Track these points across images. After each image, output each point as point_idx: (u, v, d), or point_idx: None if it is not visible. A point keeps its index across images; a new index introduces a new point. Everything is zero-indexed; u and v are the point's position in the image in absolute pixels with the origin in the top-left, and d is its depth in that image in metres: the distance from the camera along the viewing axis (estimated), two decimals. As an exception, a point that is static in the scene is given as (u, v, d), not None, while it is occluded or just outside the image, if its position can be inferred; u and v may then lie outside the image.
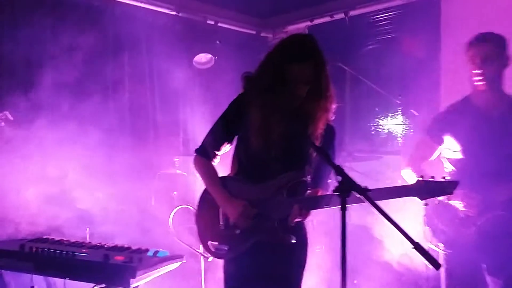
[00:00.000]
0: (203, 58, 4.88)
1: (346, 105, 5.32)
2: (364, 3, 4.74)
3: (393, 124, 4.95)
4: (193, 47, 4.93)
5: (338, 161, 1.98)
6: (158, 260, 2.15)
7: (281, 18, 5.42)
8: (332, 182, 1.99)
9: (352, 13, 4.85)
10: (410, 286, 3.77)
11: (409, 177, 2.67)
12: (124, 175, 4.35)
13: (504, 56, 2.46)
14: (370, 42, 4.98)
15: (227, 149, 2.20)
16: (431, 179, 1.94)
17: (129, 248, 2.31)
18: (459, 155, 2.55)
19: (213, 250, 2.12)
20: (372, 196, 1.60)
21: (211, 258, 2.19)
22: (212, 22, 5.08)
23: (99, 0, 4.36)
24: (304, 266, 2.17)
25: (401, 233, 1.52)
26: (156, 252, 2.21)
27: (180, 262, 2.31)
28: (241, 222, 2.03)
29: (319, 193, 2.10)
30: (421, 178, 1.95)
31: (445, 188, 1.92)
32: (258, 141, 2.03)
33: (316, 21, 5.13)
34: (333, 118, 2.11)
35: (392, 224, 1.55)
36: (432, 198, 1.92)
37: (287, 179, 2.02)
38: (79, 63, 4.08)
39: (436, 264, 1.48)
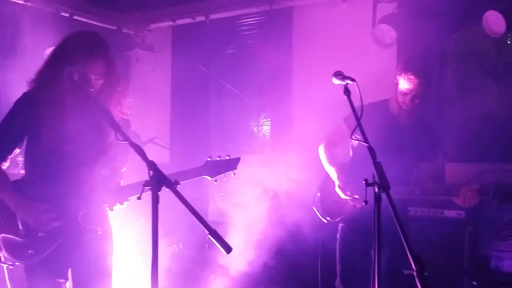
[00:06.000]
0: (56, 51, 4.59)
1: (210, 106, 5.44)
2: (223, 7, 4.87)
3: (253, 125, 5.19)
4: (44, 40, 4.60)
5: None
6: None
7: (144, 15, 5.32)
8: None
9: (213, 16, 4.95)
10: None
11: (323, 157, 2.87)
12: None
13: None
14: (231, 47, 5.15)
15: (17, 151, 2.12)
16: (218, 159, 2.15)
17: None
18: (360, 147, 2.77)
19: (15, 256, 2.02)
20: (174, 178, 1.69)
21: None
22: (67, 15, 4.80)
23: None
24: (111, 253, 2.21)
25: (199, 220, 1.62)
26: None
27: None
28: (42, 227, 1.99)
29: (118, 184, 2.14)
30: (209, 159, 2.13)
31: (229, 165, 2.17)
32: (50, 139, 2.00)
33: (179, 22, 5.14)
34: (128, 112, 2.18)
35: (193, 213, 1.64)
36: (221, 175, 2.15)
37: (85, 175, 2.02)
38: None
39: (228, 249, 1.59)
